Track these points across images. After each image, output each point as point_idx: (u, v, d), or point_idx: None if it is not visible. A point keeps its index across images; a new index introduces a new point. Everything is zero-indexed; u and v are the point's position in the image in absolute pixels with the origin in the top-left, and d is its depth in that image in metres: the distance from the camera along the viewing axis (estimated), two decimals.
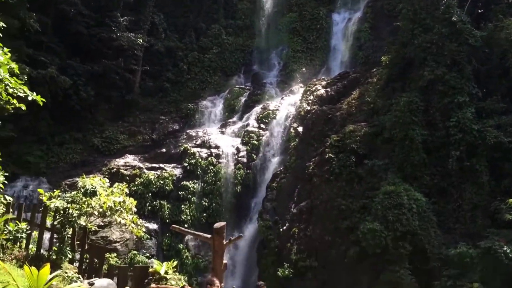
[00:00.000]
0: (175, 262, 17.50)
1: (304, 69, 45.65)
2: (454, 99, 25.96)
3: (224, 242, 12.98)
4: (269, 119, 38.79)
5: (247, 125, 39.14)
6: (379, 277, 22.16)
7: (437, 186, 25.15)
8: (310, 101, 36.77)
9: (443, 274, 21.52)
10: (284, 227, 28.23)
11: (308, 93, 37.92)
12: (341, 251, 24.63)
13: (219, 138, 38.28)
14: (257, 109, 40.88)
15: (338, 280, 23.87)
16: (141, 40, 43.17)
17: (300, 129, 34.67)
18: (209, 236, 13.18)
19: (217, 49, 48.72)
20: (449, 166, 24.73)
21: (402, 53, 30.15)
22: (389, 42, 33.80)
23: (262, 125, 38.50)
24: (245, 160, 35.66)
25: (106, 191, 18.68)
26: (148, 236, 29.06)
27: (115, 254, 26.89)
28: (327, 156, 28.17)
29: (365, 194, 25.79)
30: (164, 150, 37.35)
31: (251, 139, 36.90)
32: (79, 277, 15.48)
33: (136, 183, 32.41)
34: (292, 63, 46.50)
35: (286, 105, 39.90)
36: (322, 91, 36.95)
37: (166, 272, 16.16)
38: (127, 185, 21.20)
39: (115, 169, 33.79)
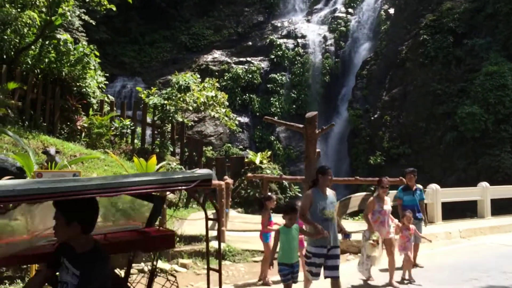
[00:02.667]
0: (269, 152, 18.16)
1: None
2: None
3: (317, 131, 13.04)
4: (358, 2, 36.58)
5: (334, 10, 37.28)
6: (477, 161, 21.45)
7: None
8: None
9: None
10: (375, 115, 27.73)
11: None
12: (437, 137, 23.93)
13: (305, 27, 37.06)
14: None
15: (432, 166, 23.50)
16: None
17: (392, 10, 32.46)
18: (301, 125, 13.27)
19: None
20: None
21: None
22: None
23: (350, 10, 36.49)
24: (333, 48, 34.54)
25: (198, 86, 19.27)
26: (240, 129, 30.00)
27: (211, 147, 28.40)
28: (421, 38, 26.37)
29: (463, 77, 24.20)
30: (250, 43, 37.04)
31: (339, 26, 35.33)
32: (181, 168, 16.63)
33: (225, 78, 32.92)
34: None
35: None
36: None
37: (261, 162, 16.88)
38: (217, 80, 21.69)
39: (204, 65, 34.42)
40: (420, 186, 9.66)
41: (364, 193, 12.49)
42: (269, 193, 9.25)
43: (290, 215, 6.01)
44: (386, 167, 24.72)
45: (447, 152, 23.02)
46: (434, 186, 14.61)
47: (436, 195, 14.22)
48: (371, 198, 7.95)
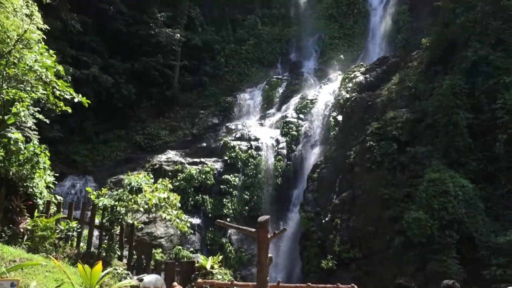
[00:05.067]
0: (220, 257, 17.78)
1: (342, 56, 45.15)
2: (500, 80, 24.80)
3: (269, 236, 13.03)
4: (308, 109, 38.58)
5: (286, 116, 39.05)
6: (425, 267, 21.74)
7: (483, 171, 24.20)
8: (349, 88, 36.21)
9: (492, 263, 20.81)
10: (326, 218, 28.06)
11: (346, 80, 37.37)
12: (385, 241, 24.29)
13: (259, 130, 38.40)
14: (296, 99, 40.74)
15: (382, 271, 23.61)
16: (178, 35, 43.82)
17: (340, 117, 34.24)
18: (253, 229, 13.25)
19: (253, 40, 48.89)
20: (496, 150, 23.81)
21: (444, 34, 29.05)
22: (430, 24, 32.80)
23: (301, 115, 38.34)
24: (285, 151, 35.63)
25: (150, 187, 19.13)
26: (192, 231, 29.43)
27: (161, 250, 27.59)
28: (368, 144, 27.77)
29: (408, 183, 25.26)
30: (204, 144, 37.76)
31: (291, 130, 36.81)
32: (128, 274, 15.95)
33: (179, 178, 32.91)
34: (329, 51, 46.10)
35: (324, 93, 39.54)
36: (361, 77, 36.22)
37: (212, 267, 16.46)
38: (170, 181, 21.64)
39: (157, 165, 34.46)
40: None
41: None
42: None
43: None
44: (338, 272, 24.62)
45: (396, 257, 23.26)
46: None
47: None
48: None
